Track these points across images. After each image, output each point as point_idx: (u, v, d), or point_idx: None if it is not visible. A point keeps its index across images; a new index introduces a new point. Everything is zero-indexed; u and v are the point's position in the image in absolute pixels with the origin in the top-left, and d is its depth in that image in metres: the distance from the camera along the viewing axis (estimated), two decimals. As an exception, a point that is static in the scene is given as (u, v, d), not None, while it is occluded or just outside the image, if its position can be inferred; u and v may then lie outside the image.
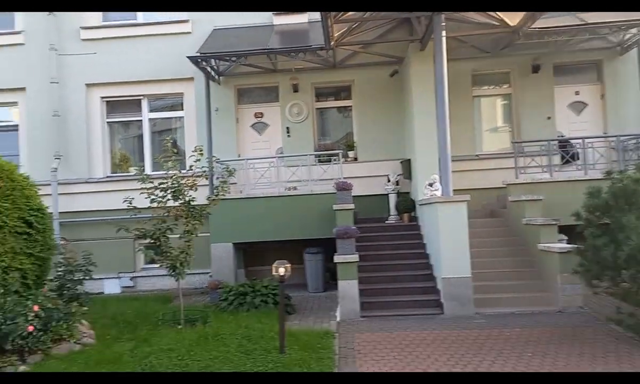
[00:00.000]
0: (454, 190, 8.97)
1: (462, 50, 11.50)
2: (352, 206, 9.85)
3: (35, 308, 6.79)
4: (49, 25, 12.60)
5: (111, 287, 12.13)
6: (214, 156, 8.92)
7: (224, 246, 10.80)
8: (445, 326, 7.87)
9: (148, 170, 12.74)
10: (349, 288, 8.66)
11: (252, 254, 11.96)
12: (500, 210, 10.77)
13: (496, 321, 8.02)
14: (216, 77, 12.25)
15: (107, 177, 12.83)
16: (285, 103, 12.47)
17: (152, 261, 12.46)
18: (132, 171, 13.00)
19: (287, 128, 12.43)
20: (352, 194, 10.02)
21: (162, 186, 8.10)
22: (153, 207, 8.19)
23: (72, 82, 12.70)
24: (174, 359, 6.38)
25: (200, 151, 8.33)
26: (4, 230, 7.33)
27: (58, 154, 12.49)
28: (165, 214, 8.16)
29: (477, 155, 12.13)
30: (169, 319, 8.33)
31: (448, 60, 9.18)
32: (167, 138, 8.66)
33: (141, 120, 12.98)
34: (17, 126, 13.06)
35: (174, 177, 8.13)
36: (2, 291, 6.79)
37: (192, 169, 8.34)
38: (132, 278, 12.36)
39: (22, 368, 6.48)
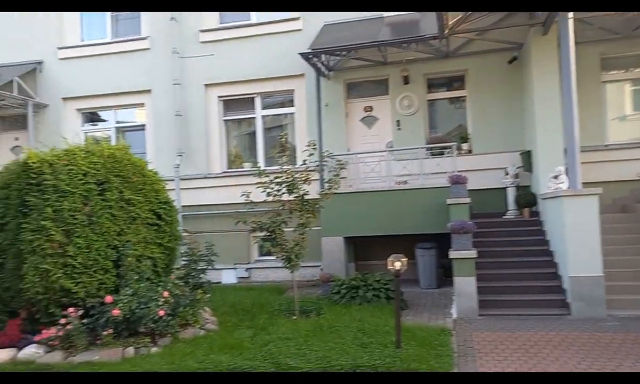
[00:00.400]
0: (582, 183, 8.32)
1: (588, 32, 10.65)
2: (467, 200, 9.49)
3: (165, 294, 7.24)
4: (171, 30, 13.42)
5: (228, 277, 12.69)
6: (327, 150, 9.01)
7: (334, 240, 10.88)
8: (573, 327, 7.32)
9: (261, 165, 13.19)
10: (465, 284, 8.34)
11: (362, 249, 11.95)
12: (634, 205, 9.83)
13: (632, 324, 7.33)
14: (326, 72, 12.36)
15: (224, 172, 13.44)
16: (395, 96, 12.30)
17: (266, 254, 12.94)
18: (246, 166, 13.55)
19: (397, 121, 12.25)
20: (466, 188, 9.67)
21: (277, 180, 8.30)
22: (268, 201, 8.41)
23: (193, 83, 13.44)
24: (292, 348, 6.50)
25: (314, 145, 8.43)
26: (137, 221, 7.90)
27: (180, 151, 13.28)
28: (281, 208, 8.36)
29: (606, 145, 11.18)
30: (284, 310, 8.53)
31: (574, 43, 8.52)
32: (282, 133, 8.86)
33: (254, 117, 13.44)
34: (144, 125, 14.08)
35: (288, 171, 8.30)
36: (136, 277, 7.30)
37: (305, 164, 8.45)
38: (247, 269, 12.85)
39: (154, 350, 6.94)
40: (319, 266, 11.44)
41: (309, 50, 11.22)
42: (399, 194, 10.58)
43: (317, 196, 8.79)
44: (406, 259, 6.68)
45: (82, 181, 7.46)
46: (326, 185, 8.64)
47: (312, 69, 11.82)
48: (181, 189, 13.10)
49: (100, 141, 8.44)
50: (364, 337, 6.85)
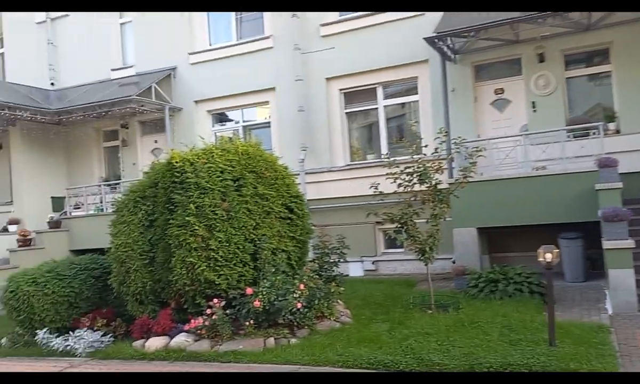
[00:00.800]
0: None
1: None
2: (619, 184, 8.57)
3: (301, 286, 7.33)
4: (293, 27, 13.62)
5: (355, 270, 12.65)
6: (459, 136, 8.60)
7: (467, 231, 10.38)
8: None
9: (384, 156, 12.99)
10: (622, 277, 7.52)
11: (496, 240, 11.30)
12: None
13: None
14: (452, 56, 11.83)
15: (347, 165, 13.42)
16: (529, 76, 11.45)
17: (393, 246, 12.73)
18: (369, 158, 13.43)
19: (532, 103, 11.40)
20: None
21: (407, 170, 8.05)
22: (398, 192, 8.19)
23: (314, 78, 13.55)
24: (433, 343, 6.27)
25: (445, 132, 8.08)
26: (270, 216, 8.09)
27: (304, 146, 13.47)
28: (412, 198, 8.10)
29: None
30: (419, 303, 8.28)
31: None
32: (412, 121, 8.58)
33: (376, 108, 13.25)
34: (269, 122, 14.48)
35: (419, 160, 8.02)
36: (273, 270, 7.45)
37: (437, 152, 8.11)
38: (373, 262, 12.73)
39: (293, 341, 7.05)
40: (450, 258, 10.99)
41: (435, 34, 10.77)
42: (537, 180, 9.82)
43: (446, 186, 8.44)
44: (557, 250, 6.14)
45: (220, 178, 7.77)
46: (459, 173, 8.23)
47: (436, 53, 11.36)
48: (306, 183, 13.29)
49: (234, 139, 8.74)
50: (511, 334, 6.43)
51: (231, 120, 15.62)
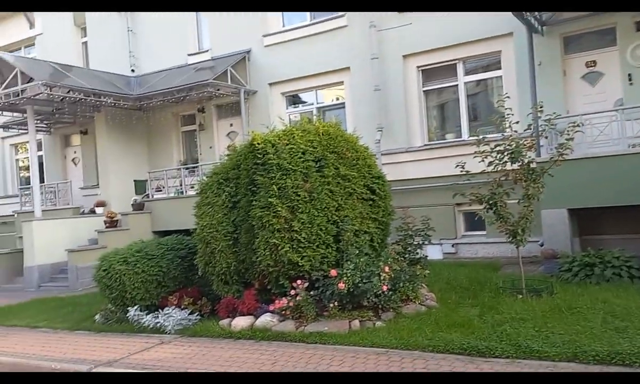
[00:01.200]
0: None
1: None
2: None
3: (386, 268, 7.17)
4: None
5: (434, 252, 12.27)
6: (554, 112, 8.03)
7: (557, 212, 9.83)
8: None
9: (465, 135, 12.56)
10: None
11: (587, 222, 10.63)
12: None
13: None
14: (539, 28, 11.15)
15: (425, 145, 13.06)
16: (625, 46, 10.61)
17: (473, 228, 12.33)
18: (448, 137, 13.00)
19: (629, 75, 10.58)
20: None
21: (498, 147, 7.66)
22: (487, 171, 7.81)
23: (390, 56, 13.23)
24: (530, 329, 5.95)
25: (541, 107, 7.60)
26: (353, 197, 7.96)
27: (380, 126, 13.22)
28: (503, 178, 7.71)
29: None
30: (508, 288, 7.92)
31: None
32: (501, 97, 8.14)
33: (456, 85, 12.78)
34: (343, 103, 14.32)
35: (510, 138, 7.60)
36: (357, 252, 7.33)
37: (530, 128, 7.66)
38: (453, 245, 12.37)
39: (378, 324, 6.92)
40: (536, 241, 10.47)
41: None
42: (636, 158, 9.12)
43: (535, 165, 7.96)
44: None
45: (302, 159, 7.70)
46: (555, 150, 7.74)
47: (522, 26, 10.75)
48: (382, 164, 13.04)
49: (314, 119, 8.64)
50: (615, 321, 6.00)
51: (304, 102, 15.61)
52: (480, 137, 7.86)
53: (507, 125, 7.78)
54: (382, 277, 7.05)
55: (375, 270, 7.09)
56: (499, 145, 7.68)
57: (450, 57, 12.65)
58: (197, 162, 16.37)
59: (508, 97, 8.32)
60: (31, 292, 13.54)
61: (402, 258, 7.96)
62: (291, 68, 14.73)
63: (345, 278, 6.95)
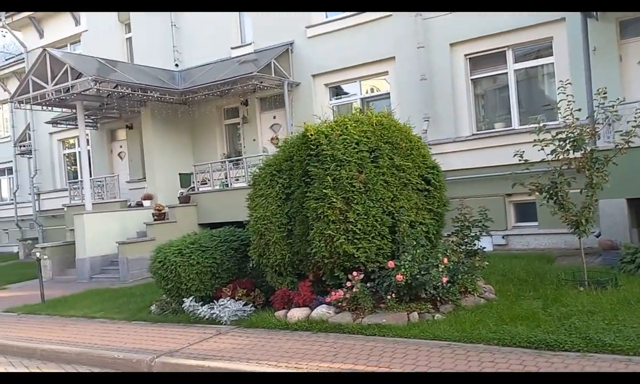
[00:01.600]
0: None
1: None
2: None
3: (445, 260, 7.06)
4: (413, -8, 13.11)
5: (484, 244, 11.97)
6: (618, 98, 7.74)
7: (616, 202, 9.50)
8: None
9: (515, 124, 12.28)
10: None
11: (646, 212, 10.28)
12: None
13: None
14: (593, 13, 10.75)
15: (473, 135, 12.82)
16: (687, 28, 10.19)
17: (525, 219, 12.07)
18: (497, 127, 12.72)
19: (691, 58, 10.15)
20: None
21: (559, 135, 7.43)
22: (547, 160, 7.60)
23: (437, 45, 12.99)
24: (599, 322, 5.78)
25: (604, 93, 7.33)
26: (407, 187, 7.85)
27: (427, 116, 13.02)
28: (564, 166, 7.48)
29: None
30: (569, 280, 7.71)
31: None
32: (562, 82, 7.87)
33: (506, 72, 12.47)
34: (388, 93, 14.17)
35: (572, 125, 7.36)
36: (414, 243, 7.23)
37: (594, 115, 7.40)
38: (504, 236, 12.12)
39: (437, 316, 6.83)
40: (593, 232, 10.14)
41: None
42: None
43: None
44: None
45: (356, 150, 7.62)
46: (619, 138, 7.46)
47: (575, 12, 10.39)
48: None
49: (368, 110, 8.55)
50: (691, 315, 5.76)
51: (346, 93, 15.52)
52: (541, 124, 7.62)
53: (569, 112, 7.52)
54: (440, 269, 6.93)
55: (433, 262, 6.99)
56: (560, 132, 7.44)
57: (499, 45, 12.35)
58: (240, 155, 16.50)
59: (570, 83, 8.04)
60: (83, 283, 13.91)
61: (459, 250, 7.81)
62: (335, 59, 14.64)
63: (403, 270, 6.87)
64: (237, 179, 15.36)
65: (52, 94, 14.89)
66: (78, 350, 7.36)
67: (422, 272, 6.90)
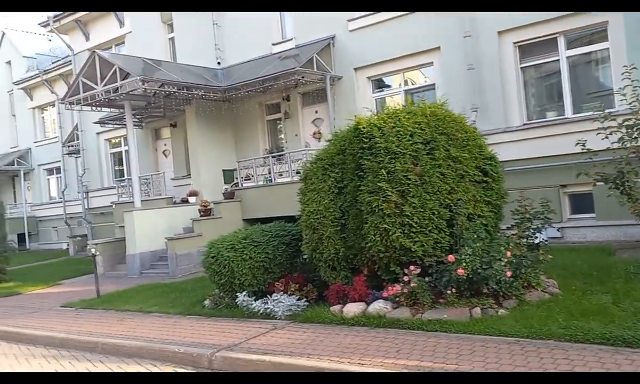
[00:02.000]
0: None
1: None
2: None
3: (508, 253, 6.85)
4: (459, -20, 12.81)
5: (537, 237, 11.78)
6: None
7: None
8: None
9: (568, 112, 11.89)
10: None
11: None
12: None
13: None
14: (654, -8, 10.29)
15: (524, 124, 12.47)
16: None
17: (581, 211, 11.67)
18: (549, 115, 12.34)
19: None
20: None
21: (626, 123, 7.11)
22: (612, 149, 7.30)
23: (484, 33, 12.68)
24: (679, 318, 5.49)
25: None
26: (465, 179, 7.65)
27: (474, 106, 12.73)
28: (632, 155, 7.16)
29: None
30: (639, 272, 7.38)
31: None
32: (629, 66, 7.53)
33: (557, 60, 12.06)
34: (433, 84, 13.92)
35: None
36: (474, 236, 7.04)
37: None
38: (559, 229, 11.74)
39: (501, 312, 6.63)
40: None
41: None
42: None
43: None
44: None
45: (410, 142, 7.47)
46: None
47: (634, -8, 9.95)
48: (479, 146, 12.56)
49: (419, 101, 8.39)
50: None
51: (388, 86, 15.35)
52: (605, 112, 7.32)
53: (634, 98, 7.19)
54: (503, 263, 6.73)
55: (495, 255, 6.78)
56: (627, 120, 7.12)
57: (550, 31, 11.95)
58: (282, 151, 16.51)
59: (635, 68, 7.69)
60: (134, 278, 14.17)
61: (521, 243, 7.57)
62: (377, 51, 14.47)
63: (464, 264, 6.69)
64: (281, 174, 15.36)
65: (101, 94, 15.20)
66: (138, 344, 7.46)
67: (484, 267, 6.70)
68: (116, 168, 22.59)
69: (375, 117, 7.92)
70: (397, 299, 7.17)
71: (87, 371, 6.62)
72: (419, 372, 5.27)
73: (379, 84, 15.40)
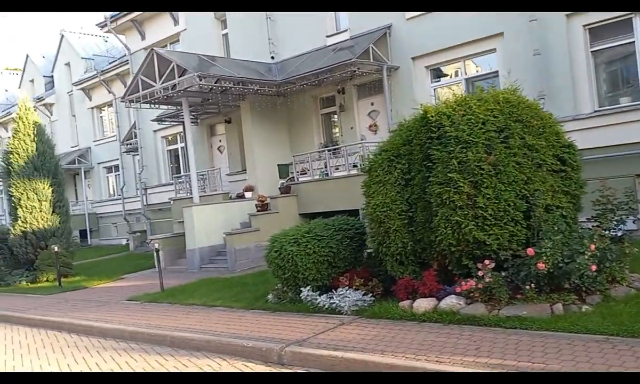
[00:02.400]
0: None
1: None
2: None
3: (592, 247, 6.44)
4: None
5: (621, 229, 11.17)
6: None
7: None
8: None
9: (646, 97, 11.17)
10: None
11: None
12: None
13: None
14: None
15: (595, 111, 11.82)
16: None
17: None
18: (623, 101, 11.65)
19: None
20: None
21: None
22: None
23: (551, 17, 12.06)
24: None
25: None
26: (542, 169, 7.27)
27: (542, 93, 12.15)
28: None
29: None
30: None
31: None
32: None
33: (632, 42, 11.35)
34: (496, 72, 13.38)
35: None
36: (554, 229, 6.66)
37: None
38: (634, 221, 11.05)
39: (585, 308, 6.25)
40: None
41: None
42: None
43: None
44: None
45: (482, 130, 7.15)
46: None
47: None
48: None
49: (489, 87, 8.04)
50: None
51: (446, 74, 14.90)
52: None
53: None
54: (587, 257, 6.32)
55: (578, 248, 6.39)
56: None
57: (625, 12, 11.24)
58: (337, 144, 16.32)
59: None
60: (194, 273, 14.34)
61: (605, 235, 7.13)
62: (436, 39, 14.05)
63: (545, 258, 6.33)
64: (337, 168, 15.18)
65: (159, 91, 15.43)
66: (207, 338, 7.45)
67: (566, 260, 6.33)
68: (172, 165, 23.00)
69: (444, 105, 7.62)
70: (471, 294, 6.88)
71: (176, 370, 6.58)
72: (505, 372, 4.98)
73: (438, 74, 14.97)
